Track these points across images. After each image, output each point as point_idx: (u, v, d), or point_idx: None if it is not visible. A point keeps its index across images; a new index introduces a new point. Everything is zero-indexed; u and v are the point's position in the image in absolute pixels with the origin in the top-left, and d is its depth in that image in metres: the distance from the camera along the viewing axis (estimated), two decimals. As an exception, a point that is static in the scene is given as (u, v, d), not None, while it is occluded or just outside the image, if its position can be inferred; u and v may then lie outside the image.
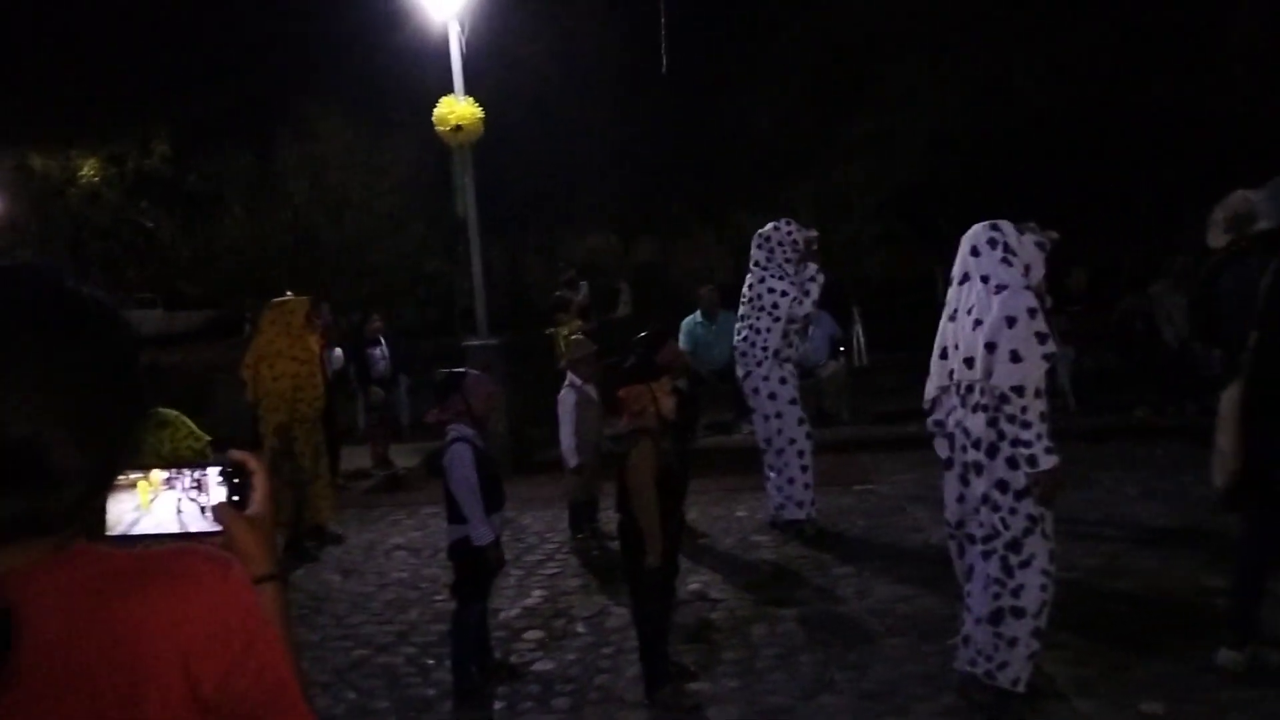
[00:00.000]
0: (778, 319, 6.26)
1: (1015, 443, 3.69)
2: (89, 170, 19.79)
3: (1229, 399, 4.15)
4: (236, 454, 1.19)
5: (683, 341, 9.60)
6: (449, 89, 9.42)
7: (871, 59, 12.94)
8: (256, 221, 13.62)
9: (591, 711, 4.26)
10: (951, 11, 12.72)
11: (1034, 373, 3.65)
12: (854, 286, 13.30)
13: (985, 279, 3.83)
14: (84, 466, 0.98)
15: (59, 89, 18.16)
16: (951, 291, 4.02)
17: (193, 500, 1.17)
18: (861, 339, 13.16)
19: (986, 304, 3.76)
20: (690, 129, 16.50)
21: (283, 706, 1.07)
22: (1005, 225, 3.95)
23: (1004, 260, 3.83)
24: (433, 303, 15.45)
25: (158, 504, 1.16)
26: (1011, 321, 3.67)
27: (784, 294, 6.26)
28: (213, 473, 1.18)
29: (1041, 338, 3.67)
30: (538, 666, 4.73)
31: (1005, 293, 3.73)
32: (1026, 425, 3.65)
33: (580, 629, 5.18)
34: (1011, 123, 12.75)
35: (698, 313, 9.68)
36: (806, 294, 6.32)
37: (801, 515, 6.41)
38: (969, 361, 3.78)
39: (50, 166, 19.84)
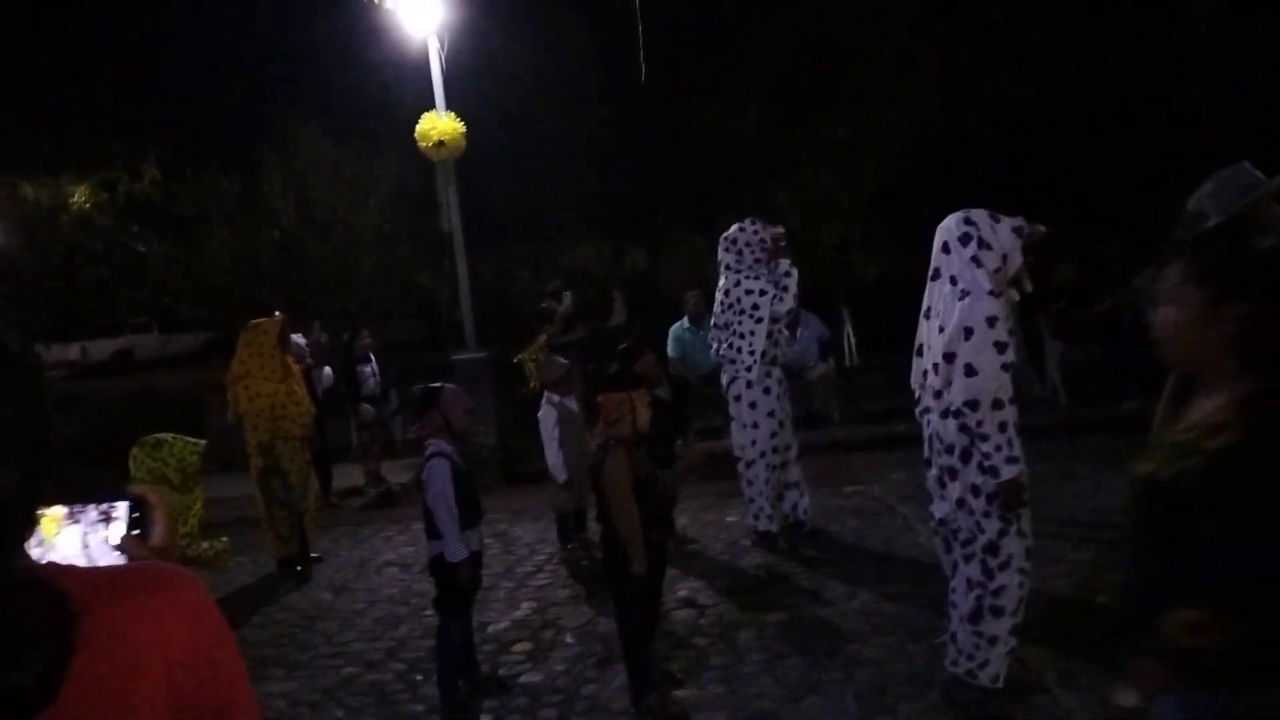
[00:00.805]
0: (760, 320, 6.10)
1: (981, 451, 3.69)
2: (80, 196, 19.83)
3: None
4: (137, 488, 1.23)
5: (670, 348, 9.61)
6: (431, 105, 9.44)
7: (847, 61, 12.98)
8: (243, 241, 13.63)
9: (578, 722, 4.27)
10: (923, 10, 12.77)
11: (990, 385, 3.62)
12: (843, 287, 13.33)
13: (953, 280, 3.78)
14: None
15: (48, 115, 18.23)
16: (928, 287, 3.97)
17: (98, 534, 1.19)
18: (852, 339, 13.18)
19: (950, 309, 3.73)
20: (674, 136, 16.55)
21: (243, 710, 1.14)
22: (979, 216, 3.84)
23: (974, 259, 3.75)
24: (423, 317, 15.46)
25: (62, 538, 1.19)
26: (969, 333, 3.63)
27: (763, 293, 6.11)
28: (121, 507, 1.21)
29: (1000, 347, 3.62)
30: (526, 678, 4.73)
31: (966, 300, 3.68)
32: (985, 438, 3.64)
33: (569, 639, 5.19)
34: (990, 119, 12.79)
35: (685, 319, 9.70)
36: (785, 290, 6.16)
37: (772, 528, 6.34)
38: (936, 367, 3.78)
39: (41, 194, 19.88)
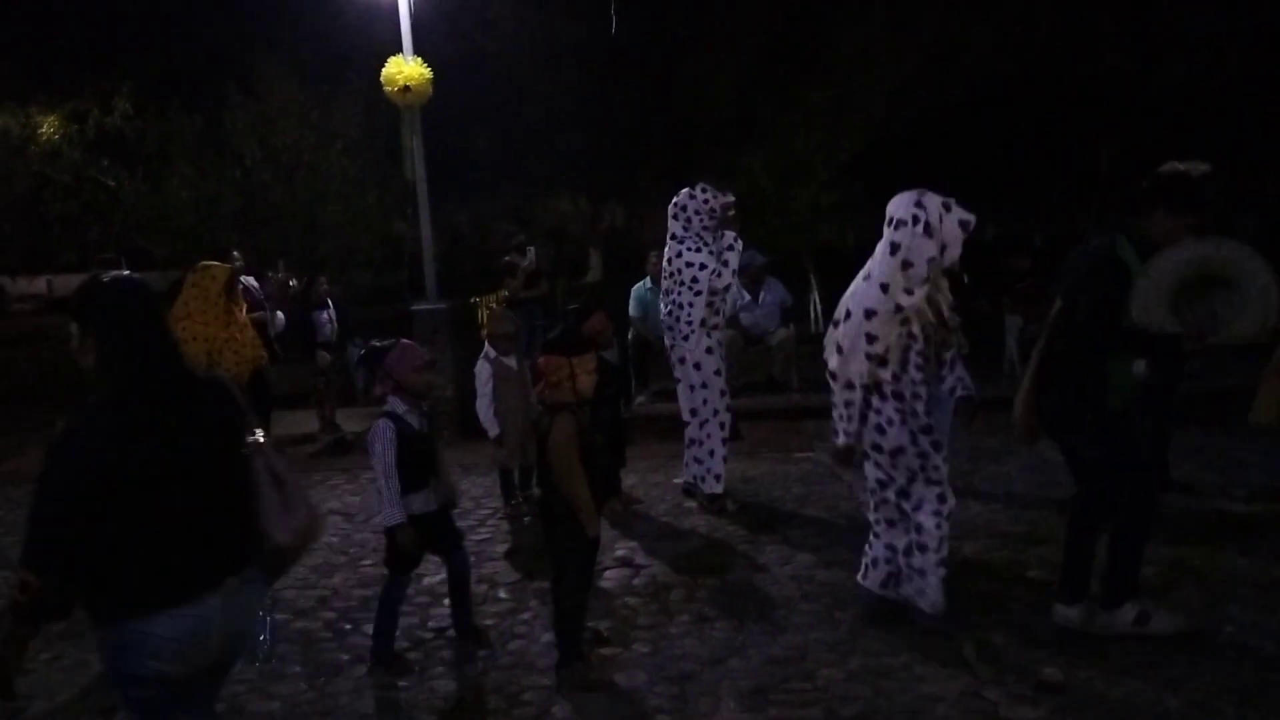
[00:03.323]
0: (699, 292, 6.14)
1: (876, 411, 4.18)
2: (49, 128, 19.44)
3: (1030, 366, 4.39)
4: None
5: (632, 308, 9.59)
6: (399, 49, 9.29)
7: (830, 26, 12.85)
8: (206, 181, 13.42)
9: (500, 677, 4.27)
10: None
11: (851, 367, 4.12)
12: (813, 252, 13.29)
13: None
14: None
15: (16, 44, 17.84)
16: None
17: None
18: (818, 305, 13.17)
19: (859, 286, 4.21)
20: (656, 94, 16.37)
21: None
22: (930, 200, 3.92)
23: (892, 244, 3.99)
24: (394, 268, 15.33)
25: None
26: (848, 314, 4.15)
27: (702, 266, 6.13)
28: None
29: (870, 339, 4.02)
30: (453, 632, 4.73)
31: (865, 284, 4.11)
32: (834, 405, 4.25)
33: (501, 594, 5.21)
34: (968, 89, 12.72)
35: (646, 279, 9.65)
36: (725, 264, 6.20)
37: (719, 489, 6.40)
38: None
39: (10, 124, 19.46)
